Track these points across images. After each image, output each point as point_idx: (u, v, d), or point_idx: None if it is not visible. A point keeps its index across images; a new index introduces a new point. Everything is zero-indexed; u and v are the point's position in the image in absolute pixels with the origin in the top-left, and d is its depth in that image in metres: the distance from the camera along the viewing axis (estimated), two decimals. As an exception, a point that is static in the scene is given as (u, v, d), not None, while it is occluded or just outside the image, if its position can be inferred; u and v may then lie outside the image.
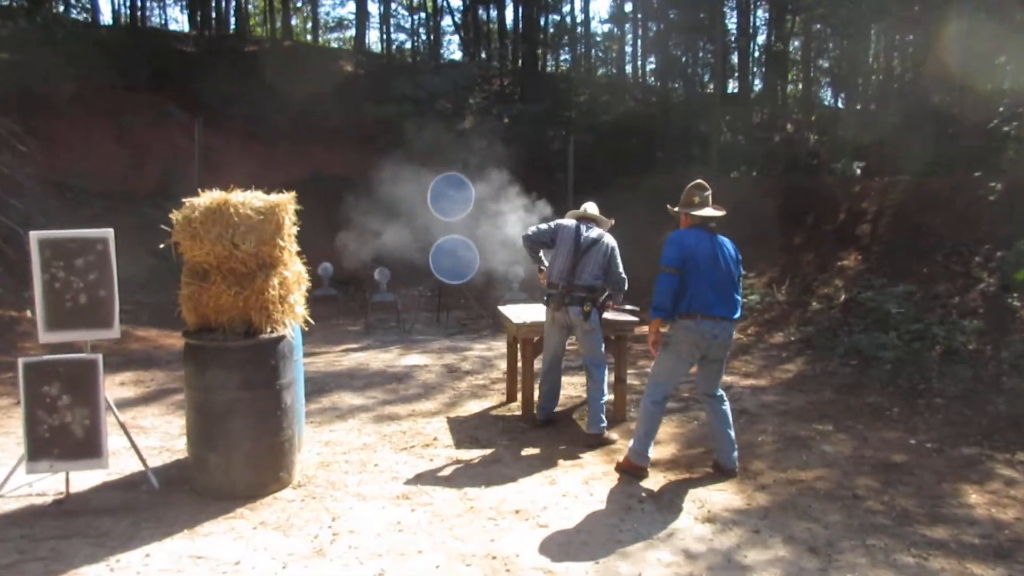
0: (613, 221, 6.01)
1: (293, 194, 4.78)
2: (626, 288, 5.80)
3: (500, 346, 9.59)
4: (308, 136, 17.01)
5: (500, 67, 23.67)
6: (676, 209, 5.01)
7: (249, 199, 4.61)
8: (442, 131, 17.19)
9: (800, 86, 25.17)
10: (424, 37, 26.79)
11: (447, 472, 5.00)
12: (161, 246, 4.68)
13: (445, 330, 10.95)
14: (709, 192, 4.94)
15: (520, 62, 23.75)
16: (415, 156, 13.37)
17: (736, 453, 4.95)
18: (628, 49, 27.43)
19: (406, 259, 13.28)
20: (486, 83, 21.71)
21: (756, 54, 26.25)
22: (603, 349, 5.74)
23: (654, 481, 4.84)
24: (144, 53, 17.81)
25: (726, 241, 4.91)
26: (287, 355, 4.70)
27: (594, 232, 5.75)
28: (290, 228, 4.76)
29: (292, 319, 4.82)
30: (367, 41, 26.75)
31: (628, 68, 27.15)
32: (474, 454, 5.36)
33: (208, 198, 4.60)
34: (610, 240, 5.77)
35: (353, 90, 18.45)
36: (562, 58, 25.92)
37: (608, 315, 5.85)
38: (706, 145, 19.35)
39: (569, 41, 25.49)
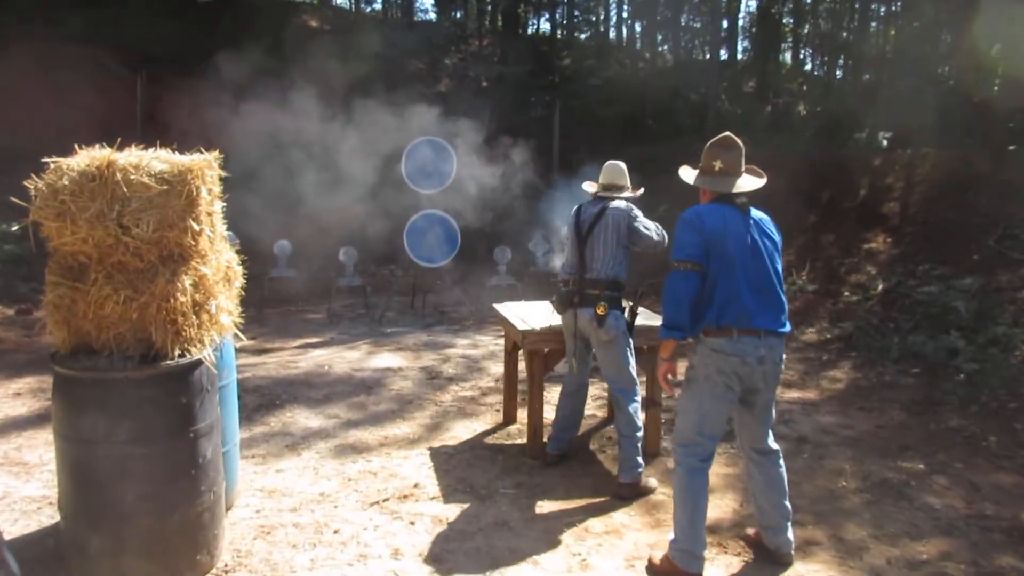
0: (641, 191, 4.56)
1: (214, 154, 3.30)
2: (666, 243, 4.27)
3: (487, 342, 8.19)
4: (268, 96, 15.34)
5: (479, 25, 21.99)
6: (691, 177, 3.44)
7: (146, 161, 3.12)
8: (416, 93, 15.63)
9: (789, 55, 23.96)
10: (395, -6, 24.95)
11: (435, 544, 3.59)
12: (15, 228, 3.18)
13: (421, 320, 9.50)
14: (740, 151, 3.35)
15: (500, 21, 22.09)
16: (386, 119, 11.85)
17: (791, 532, 3.48)
18: (613, 13, 25.93)
19: (376, 236, 11.82)
20: (463, 43, 20.05)
21: (741, 22, 24.99)
22: (633, 367, 4.34)
23: (725, 561, 3.49)
24: (78, 2, 15.86)
25: (764, 219, 3.36)
26: (205, 387, 3.24)
27: (597, 206, 4.32)
28: (210, 204, 3.29)
29: (215, 334, 3.36)
30: (334, -4, 24.83)
31: (612, 32, 25.68)
32: (469, 510, 3.96)
33: (85, 159, 3.11)
34: (621, 207, 4.27)
35: (318, 47, 16.71)
36: (543, 17, 24.29)
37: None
38: (699, 114, 18.03)
39: (550, 1, 23.81)
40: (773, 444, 3.44)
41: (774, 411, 3.43)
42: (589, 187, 4.51)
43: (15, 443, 4.84)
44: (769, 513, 3.45)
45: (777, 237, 3.33)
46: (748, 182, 3.32)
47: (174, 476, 3.12)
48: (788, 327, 3.24)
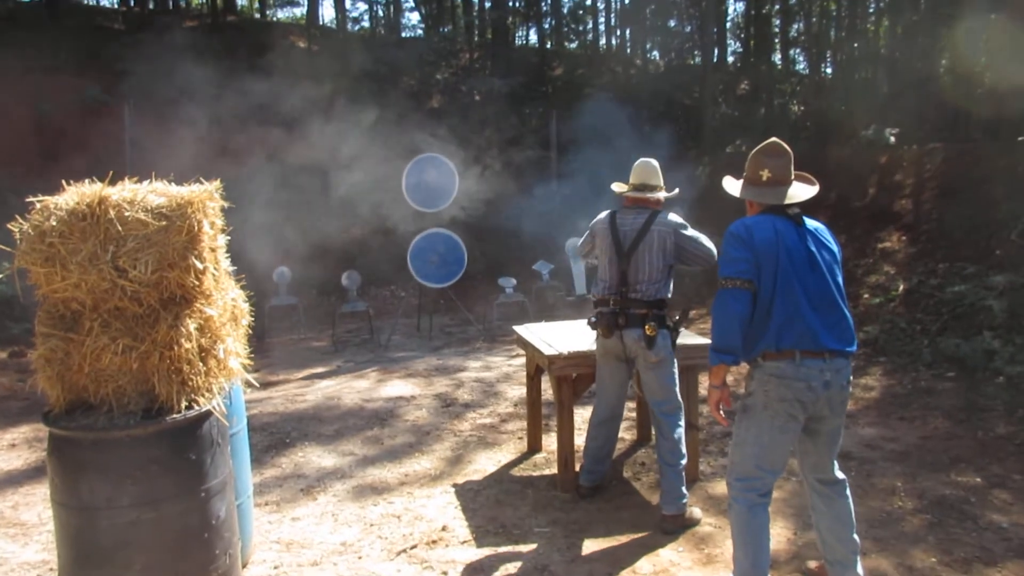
0: (676, 191, 4.25)
1: (216, 185, 3.03)
2: (715, 256, 3.90)
3: (499, 363, 7.90)
4: (259, 119, 15.10)
5: (467, 39, 21.77)
6: (736, 188, 3.15)
7: (142, 196, 2.84)
8: (409, 110, 15.43)
9: (778, 56, 23.82)
10: (381, 13, 24.81)
11: (472, 597, 3.31)
12: (1, 276, 2.90)
13: (429, 343, 9.21)
14: (789, 158, 3.05)
15: (489, 34, 21.90)
16: (381, 138, 11.62)
17: (860, 566, 3.14)
18: (601, 21, 25.77)
19: (376, 257, 11.58)
20: (453, 57, 19.83)
21: (728, 24, 24.87)
22: (678, 390, 4.07)
23: (789, 602, 3.21)
24: (64, 30, 15.65)
25: (820, 229, 3.06)
26: (216, 441, 2.96)
27: (640, 218, 3.99)
28: (212, 239, 3.01)
29: (223, 380, 3.07)
30: (320, 16, 24.66)
31: (602, 41, 25.51)
32: (505, 555, 3.67)
33: (74, 196, 2.83)
34: (668, 220, 3.97)
35: (308, 67, 16.50)
36: (532, 29, 24.14)
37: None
38: (695, 118, 17.85)
39: (537, 12, 23.63)
40: (839, 474, 3.16)
41: (841, 439, 3.14)
42: (619, 188, 4.18)
43: (11, 501, 4.53)
44: (835, 547, 3.15)
45: (835, 247, 3.05)
46: (800, 191, 3.04)
47: (185, 541, 2.83)
48: (855, 346, 2.96)
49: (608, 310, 3.97)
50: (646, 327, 3.85)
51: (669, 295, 3.99)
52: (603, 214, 4.17)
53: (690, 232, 3.99)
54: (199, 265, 2.88)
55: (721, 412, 3.02)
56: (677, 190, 4.24)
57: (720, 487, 4.39)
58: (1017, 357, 5.95)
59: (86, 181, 2.94)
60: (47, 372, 2.81)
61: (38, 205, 2.83)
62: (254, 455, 4.90)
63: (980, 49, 12.03)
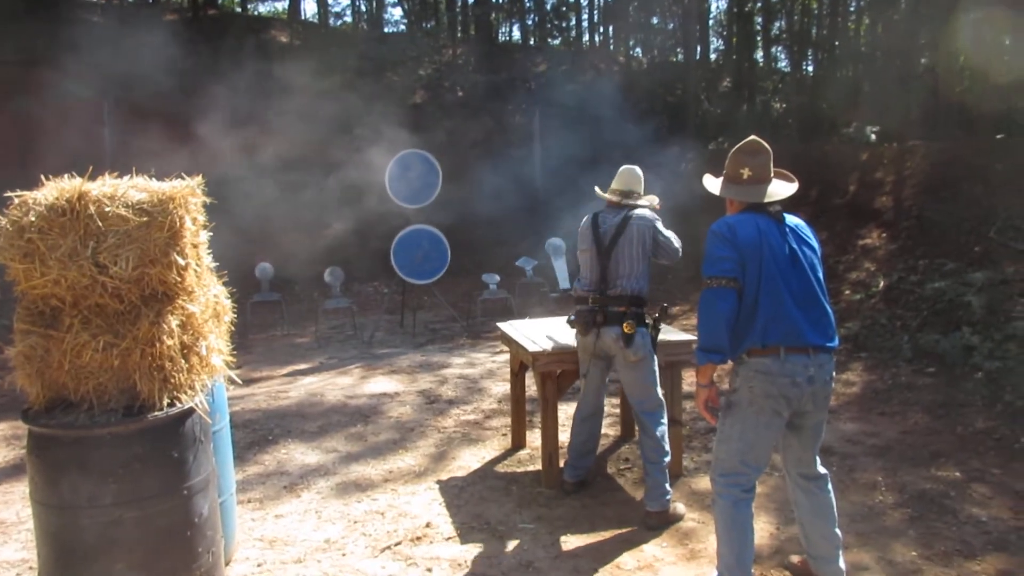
0: (657, 200, 4.29)
1: (198, 179, 3.00)
2: (680, 255, 4.08)
3: (483, 359, 7.90)
4: (240, 114, 15.00)
5: (451, 35, 21.73)
6: (716, 187, 3.16)
7: (122, 191, 2.81)
8: (392, 105, 15.38)
9: (761, 53, 23.95)
10: (364, 8, 24.69)
11: (457, 594, 3.30)
12: (-23, 272, 2.86)
13: (412, 339, 9.18)
14: (768, 155, 3.06)
15: (473, 29, 21.85)
16: (364, 133, 11.58)
17: (843, 560, 3.16)
18: (584, 18, 25.78)
19: (358, 253, 11.54)
20: (436, 53, 19.77)
21: (711, 22, 24.98)
22: (659, 388, 4.08)
23: (772, 596, 3.23)
24: (43, 24, 15.45)
25: (800, 226, 3.08)
26: (199, 438, 2.93)
27: (619, 215, 4.02)
28: (195, 234, 2.98)
29: (206, 377, 3.05)
30: (302, 11, 24.50)
31: (586, 37, 25.53)
32: (489, 552, 3.67)
33: (53, 191, 2.80)
34: (644, 216, 4.00)
35: (290, 62, 16.40)
36: (515, 25, 24.11)
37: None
38: (678, 115, 17.91)
39: (520, 8, 23.62)
40: (821, 468, 3.18)
41: (823, 434, 3.17)
42: (602, 193, 4.22)
43: (-11, 499, 4.48)
44: (818, 542, 3.18)
45: (816, 244, 3.08)
46: (780, 188, 3.06)
47: (168, 540, 2.81)
48: (837, 341, 2.99)
49: (587, 308, 4.00)
50: (624, 325, 3.86)
51: (647, 290, 4.01)
52: (587, 216, 4.20)
53: (662, 230, 4.04)
54: (181, 261, 2.86)
55: (710, 410, 3.04)
56: (657, 199, 4.27)
57: (703, 483, 4.41)
58: (995, 353, 6.02)
59: (65, 176, 2.90)
60: (26, 369, 2.78)
61: (16, 200, 2.79)
62: (237, 452, 4.87)
63: (960, 48, 12.15)
